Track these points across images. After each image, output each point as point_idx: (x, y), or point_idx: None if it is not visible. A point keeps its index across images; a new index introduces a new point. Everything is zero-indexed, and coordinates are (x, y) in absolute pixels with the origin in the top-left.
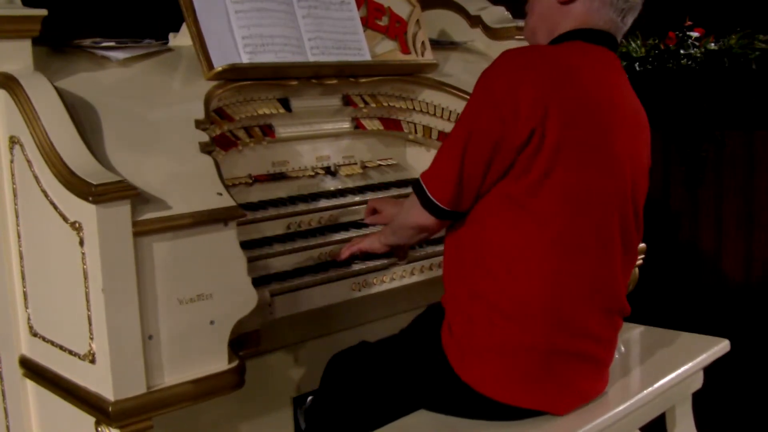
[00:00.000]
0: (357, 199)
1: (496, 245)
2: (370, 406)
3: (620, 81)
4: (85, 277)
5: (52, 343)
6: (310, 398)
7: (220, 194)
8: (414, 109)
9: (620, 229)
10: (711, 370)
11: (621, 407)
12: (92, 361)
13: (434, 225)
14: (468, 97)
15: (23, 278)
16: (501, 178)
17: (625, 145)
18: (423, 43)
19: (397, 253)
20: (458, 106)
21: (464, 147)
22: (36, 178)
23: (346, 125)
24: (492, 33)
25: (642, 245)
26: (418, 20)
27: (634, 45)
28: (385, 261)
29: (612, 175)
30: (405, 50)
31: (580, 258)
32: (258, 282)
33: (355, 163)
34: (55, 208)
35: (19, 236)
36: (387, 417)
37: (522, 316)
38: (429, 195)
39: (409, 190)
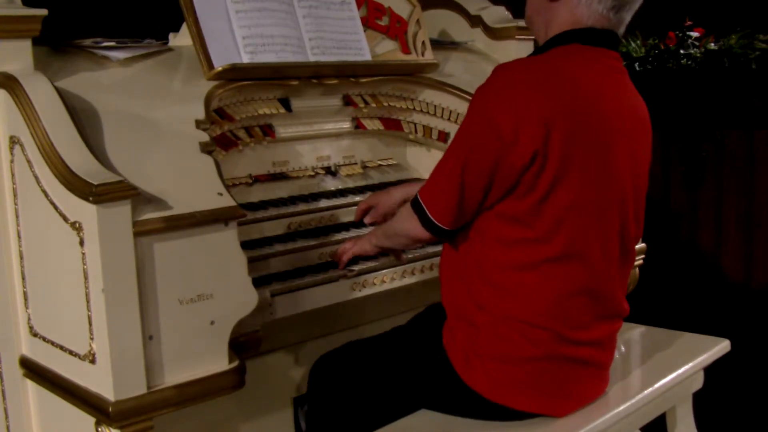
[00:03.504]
0: (357, 199)
1: (499, 260)
2: (367, 406)
3: (620, 83)
4: (86, 278)
5: (53, 344)
6: None
7: (221, 194)
8: (414, 109)
9: (620, 236)
10: (711, 370)
11: (621, 407)
12: (92, 362)
13: (432, 239)
14: (469, 97)
15: (23, 278)
16: (503, 197)
17: (626, 153)
18: (423, 42)
19: (393, 255)
20: (459, 106)
21: (463, 168)
22: (36, 178)
23: (347, 125)
24: (492, 33)
25: (642, 245)
26: (418, 20)
27: (634, 45)
28: (385, 260)
29: (612, 186)
30: (405, 50)
31: (582, 269)
32: (258, 282)
33: (356, 163)
34: (56, 208)
35: (19, 236)
36: (385, 416)
37: (527, 328)
38: (430, 216)
39: None
